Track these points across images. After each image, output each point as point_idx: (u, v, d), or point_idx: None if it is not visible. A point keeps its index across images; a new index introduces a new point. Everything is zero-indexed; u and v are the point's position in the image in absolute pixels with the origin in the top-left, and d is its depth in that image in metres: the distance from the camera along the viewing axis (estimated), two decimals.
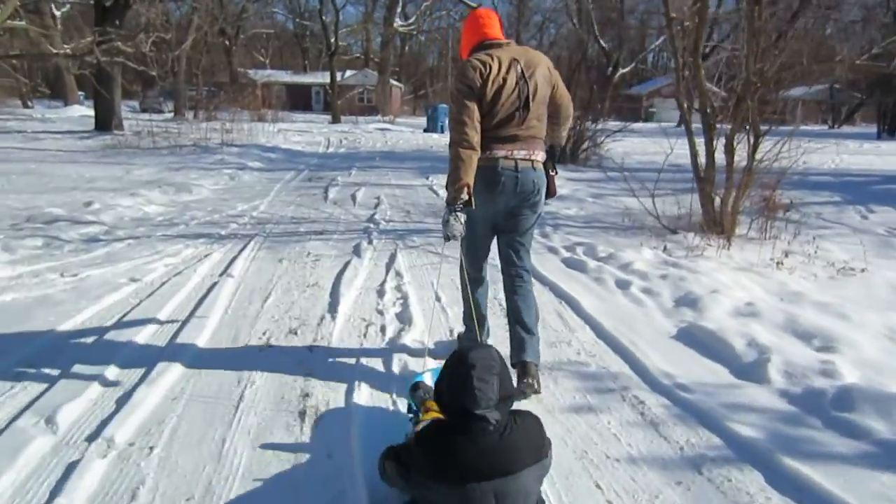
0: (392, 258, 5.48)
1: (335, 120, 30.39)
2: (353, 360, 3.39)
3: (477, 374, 1.83)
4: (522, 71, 2.86)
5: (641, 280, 4.80)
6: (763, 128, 6.60)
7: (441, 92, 54.29)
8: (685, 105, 6.97)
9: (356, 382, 3.10)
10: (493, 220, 3.08)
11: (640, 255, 5.47)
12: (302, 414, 2.82)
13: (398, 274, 4.97)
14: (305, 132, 21.73)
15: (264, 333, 3.72)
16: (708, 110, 6.66)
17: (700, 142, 6.85)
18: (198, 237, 6.12)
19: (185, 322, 3.84)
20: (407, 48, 57.53)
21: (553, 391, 3.11)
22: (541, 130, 3.01)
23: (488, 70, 2.80)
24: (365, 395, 3.00)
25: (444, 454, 1.82)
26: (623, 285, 4.71)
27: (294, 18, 48.23)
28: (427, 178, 11.01)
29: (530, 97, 2.87)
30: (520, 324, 3.12)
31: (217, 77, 32.68)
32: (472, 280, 3.23)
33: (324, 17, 32.53)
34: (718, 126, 6.90)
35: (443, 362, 2.04)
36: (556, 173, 3.16)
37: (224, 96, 24.90)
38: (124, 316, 3.94)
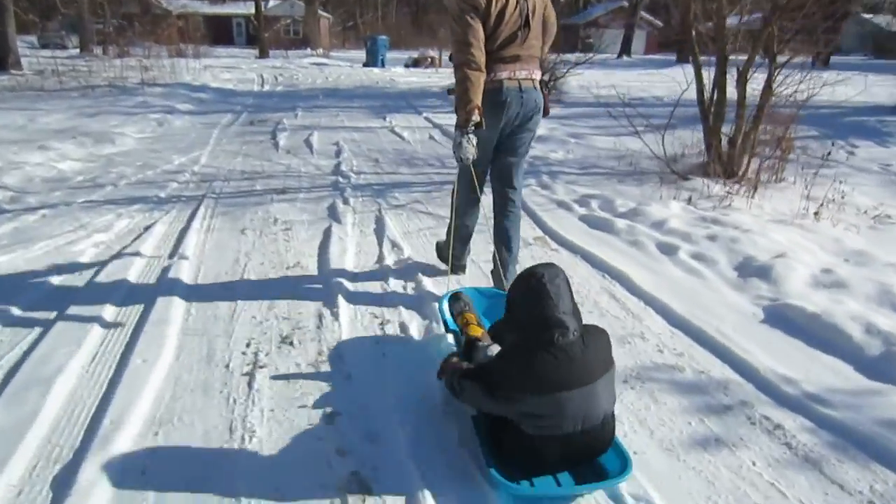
0: (379, 222, 4.53)
1: (263, 54, 28.07)
2: (382, 388, 2.50)
3: (548, 280, 1.88)
4: None
5: (686, 242, 4.05)
6: (781, 59, 5.88)
7: (371, 23, 51.63)
8: (693, 33, 6.13)
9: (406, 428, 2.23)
10: (496, 140, 3.06)
11: (668, 210, 4.72)
12: None
13: (395, 245, 4.04)
14: (234, 69, 19.76)
15: (248, 346, 2.77)
16: (721, 38, 5.85)
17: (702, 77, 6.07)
18: (131, 202, 4.96)
19: (132, 342, 2.82)
20: None
21: (659, 416, 2.34)
22: (539, 49, 3.02)
23: None
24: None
25: (533, 368, 1.83)
26: (667, 250, 3.96)
27: None
28: (385, 119, 9.88)
29: (530, 15, 2.87)
30: (506, 246, 3.25)
31: (126, 7, 29.48)
32: (469, 201, 3.23)
33: None
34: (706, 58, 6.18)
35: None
36: (549, 92, 3.24)
37: (138, 29, 22.36)
38: (42, 336, 2.88)
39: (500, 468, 1.89)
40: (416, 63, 23.06)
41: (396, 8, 57.94)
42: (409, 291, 3.36)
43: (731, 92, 6.00)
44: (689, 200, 5.07)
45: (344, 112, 10.74)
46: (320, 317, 3.04)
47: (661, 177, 5.96)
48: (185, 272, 3.54)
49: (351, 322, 3.00)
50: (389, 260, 3.80)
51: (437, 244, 3.73)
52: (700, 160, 6.48)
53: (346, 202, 5.08)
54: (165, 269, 3.58)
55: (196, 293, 3.29)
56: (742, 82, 6.00)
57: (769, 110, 5.95)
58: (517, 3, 2.82)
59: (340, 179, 5.88)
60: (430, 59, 23.39)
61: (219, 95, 12.88)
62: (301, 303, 3.19)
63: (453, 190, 3.29)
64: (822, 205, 4.94)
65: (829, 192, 5.35)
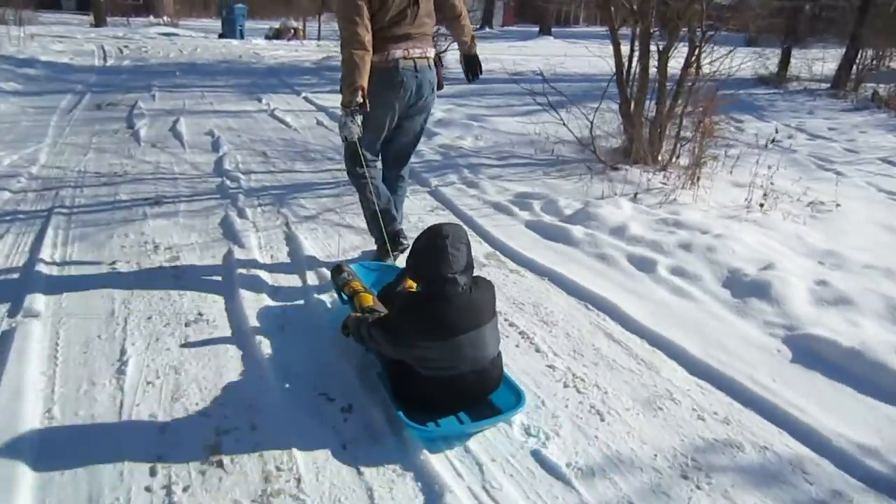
0: (293, 242, 3.64)
1: (99, 22, 24.74)
2: None
3: (451, 243, 2.07)
4: None
5: (658, 254, 3.56)
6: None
7: None
8: (612, 8, 5.67)
9: None
10: (394, 118, 3.06)
11: (621, 211, 4.22)
12: None
13: (321, 276, 3.20)
14: (68, 38, 17.03)
15: (152, 475, 1.87)
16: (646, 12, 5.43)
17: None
18: None
19: None
20: None
21: None
22: (430, 27, 3.04)
23: None
24: None
25: (428, 317, 2.03)
26: (643, 265, 3.44)
27: None
28: (261, 101, 8.67)
29: None
30: (395, 209, 3.31)
31: None
32: (370, 163, 3.12)
33: None
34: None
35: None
36: (443, 66, 3.29)
37: None
38: None
39: (407, 413, 2.04)
40: (277, 34, 21.29)
41: None
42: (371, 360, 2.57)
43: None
44: (635, 197, 4.61)
45: (210, 92, 9.37)
46: (251, 410, 2.17)
47: (588, 166, 5.50)
48: (33, 342, 2.50)
49: (298, 410, 2.17)
50: (322, 303, 2.96)
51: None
52: (616, 144, 6.11)
53: (242, 214, 4.10)
54: (6, 337, 2.52)
55: (57, 378, 2.29)
56: (664, 60, 5.65)
57: (686, 88, 5.67)
58: None
59: (227, 182, 4.84)
60: (293, 31, 21.73)
61: (53, 71, 10.84)
62: (217, 388, 2.29)
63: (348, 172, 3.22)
64: (765, 195, 4.68)
65: (755, 178, 5.16)
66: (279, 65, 13.43)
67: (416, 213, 4.28)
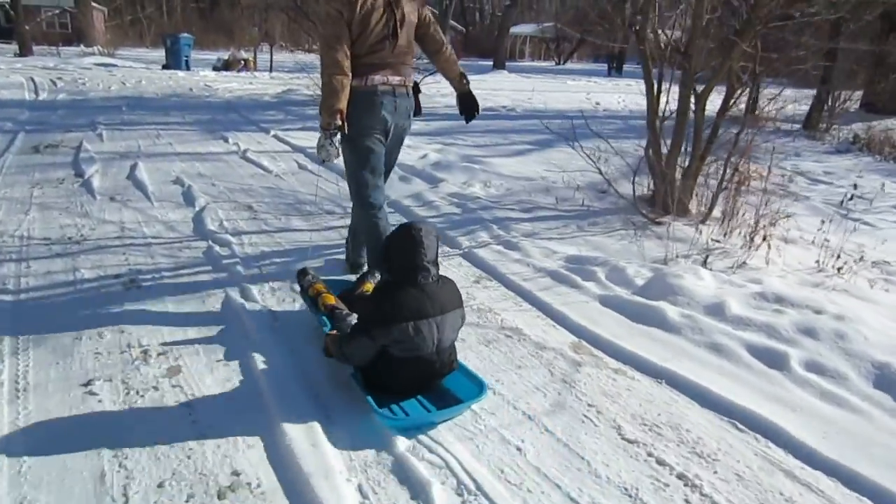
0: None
1: (25, 51, 23.08)
2: None
3: (423, 235, 2.30)
4: (390, 0, 2.92)
5: (778, 342, 2.92)
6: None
7: (157, 18, 46.06)
8: (647, 47, 5.12)
9: None
10: (380, 136, 3.07)
11: (701, 281, 3.57)
12: None
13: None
14: None
15: None
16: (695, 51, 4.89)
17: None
18: None
19: None
20: None
21: None
22: (410, 58, 3.11)
23: None
24: None
25: (399, 302, 2.23)
26: (771, 360, 2.78)
27: None
28: (227, 141, 7.74)
29: (398, 25, 2.94)
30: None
31: None
32: (374, 206, 3.12)
33: None
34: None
35: None
36: (421, 92, 3.24)
37: None
38: None
39: (377, 401, 2.20)
40: (227, 66, 20.21)
41: (181, 2, 52.59)
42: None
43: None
44: (706, 262, 3.99)
45: (166, 130, 8.36)
46: None
47: (627, 219, 4.91)
48: None
49: None
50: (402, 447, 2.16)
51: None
52: (641, 190, 5.53)
53: (247, 294, 3.25)
54: None
55: None
56: (702, 104, 5.15)
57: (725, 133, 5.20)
58: (383, 13, 2.91)
59: (216, 247, 3.95)
60: (243, 62, 20.73)
61: None
62: None
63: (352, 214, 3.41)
64: (837, 257, 4.15)
65: (791, 231, 4.69)
66: (236, 98, 12.47)
67: (460, 285, 3.52)
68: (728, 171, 5.06)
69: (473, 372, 2.45)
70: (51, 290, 3.26)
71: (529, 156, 7.89)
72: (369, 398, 2.20)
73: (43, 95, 11.64)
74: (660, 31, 5.05)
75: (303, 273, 3.04)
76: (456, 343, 2.46)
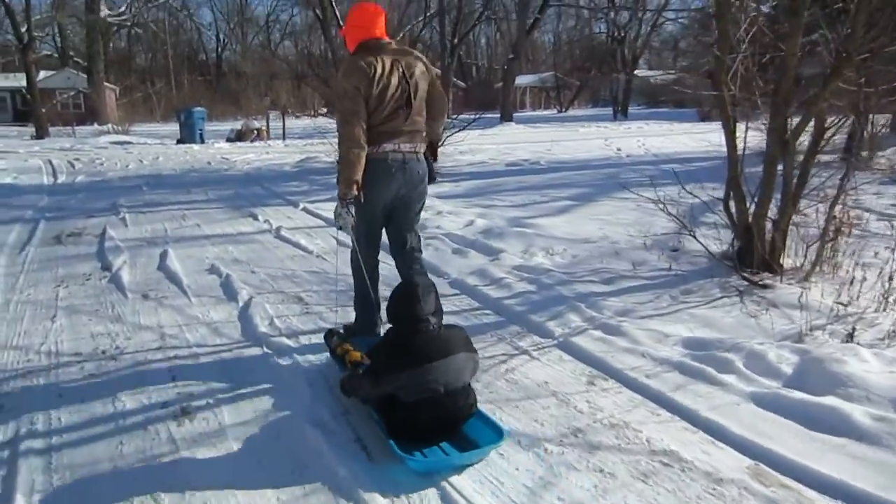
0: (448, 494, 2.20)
1: (41, 133, 23.20)
2: None
3: (420, 290, 2.52)
4: (404, 72, 3.05)
5: None
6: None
7: (166, 93, 46.82)
8: (726, 90, 4.62)
9: None
10: (386, 207, 3.22)
11: (864, 364, 2.95)
12: None
13: None
14: (8, 153, 15.38)
15: None
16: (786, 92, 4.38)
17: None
18: None
19: None
20: (111, 44, 48.33)
21: None
22: (422, 124, 3.21)
23: (373, 72, 2.95)
24: None
25: (403, 350, 2.41)
26: None
27: None
28: (257, 218, 7.29)
29: (412, 96, 3.08)
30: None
31: None
32: (369, 265, 3.33)
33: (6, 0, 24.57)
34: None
35: None
36: (436, 160, 3.46)
37: None
38: None
39: (399, 446, 2.28)
40: (240, 136, 20.13)
41: (189, 76, 53.60)
42: None
43: None
44: (851, 337, 3.37)
45: (191, 210, 7.93)
46: None
47: (722, 284, 4.32)
48: None
49: None
50: None
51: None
52: (721, 245, 4.94)
53: (322, 424, 2.65)
54: None
55: None
56: (792, 147, 4.63)
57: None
58: (399, 83, 3.03)
59: (272, 355, 3.38)
60: (255, 132, 20.65)
61: None
62: None
63: (353, 256, 3.40)
64: None
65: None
66: (255, 170, 12.14)
67: (572, 391, 2.92)
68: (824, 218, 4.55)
69: (490, 417, 2.54)
70: (87, 429, 2.68)
71: (575, 212, 7.38)
72: (391, 442, 2.29)
73: (61, 178, 11.36)
74: (742, 70, 4.54)
75: (330, 334, 3.29)
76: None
